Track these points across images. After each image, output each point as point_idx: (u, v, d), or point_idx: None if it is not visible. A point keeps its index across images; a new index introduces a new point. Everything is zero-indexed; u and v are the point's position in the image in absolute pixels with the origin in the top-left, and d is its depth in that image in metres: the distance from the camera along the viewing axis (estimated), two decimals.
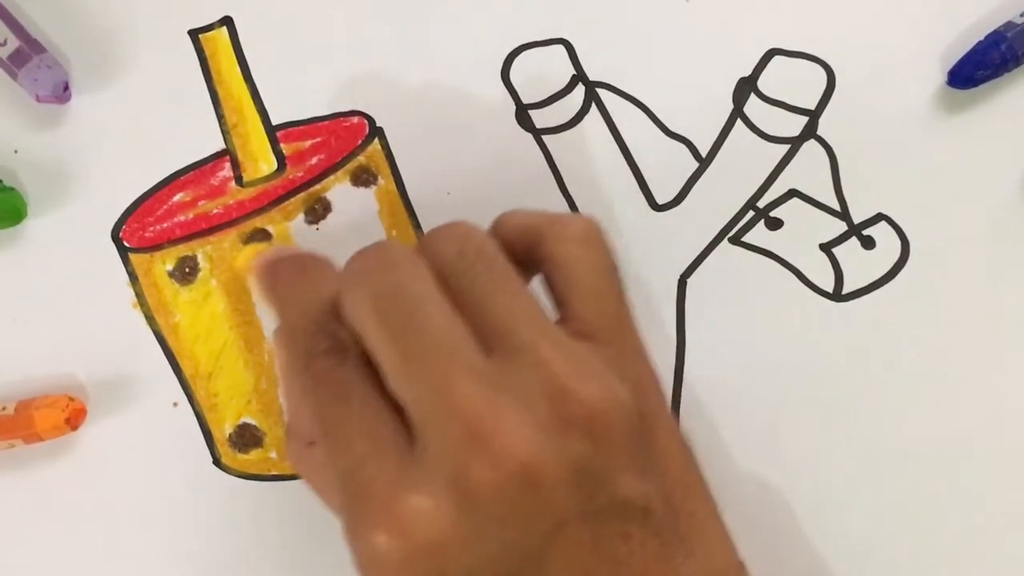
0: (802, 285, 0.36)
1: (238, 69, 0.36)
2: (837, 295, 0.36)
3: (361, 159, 0.36)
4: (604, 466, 0.24)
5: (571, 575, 0.24)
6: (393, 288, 0.26)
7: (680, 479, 0.27)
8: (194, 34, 0.36)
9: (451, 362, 0.24)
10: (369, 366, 0.26)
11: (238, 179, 0.36)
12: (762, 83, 0.36)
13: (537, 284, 0.28)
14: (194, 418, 0.35)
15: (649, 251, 0.36)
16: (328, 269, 0.29)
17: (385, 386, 0.25)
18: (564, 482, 0.24)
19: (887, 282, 0.36)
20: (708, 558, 0.26)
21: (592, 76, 0.36)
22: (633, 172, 0.36)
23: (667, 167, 0.36)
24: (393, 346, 0.25)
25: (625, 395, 0.25)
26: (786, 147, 0.36)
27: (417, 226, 0.36)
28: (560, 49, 0.37)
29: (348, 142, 0.36)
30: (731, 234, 0.36)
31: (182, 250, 0.35)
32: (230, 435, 0.35)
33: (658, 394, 0.28)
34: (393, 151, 0.36)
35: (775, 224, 0.36)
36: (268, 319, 0.35)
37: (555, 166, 0.36)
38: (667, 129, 0.36)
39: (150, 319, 0.35)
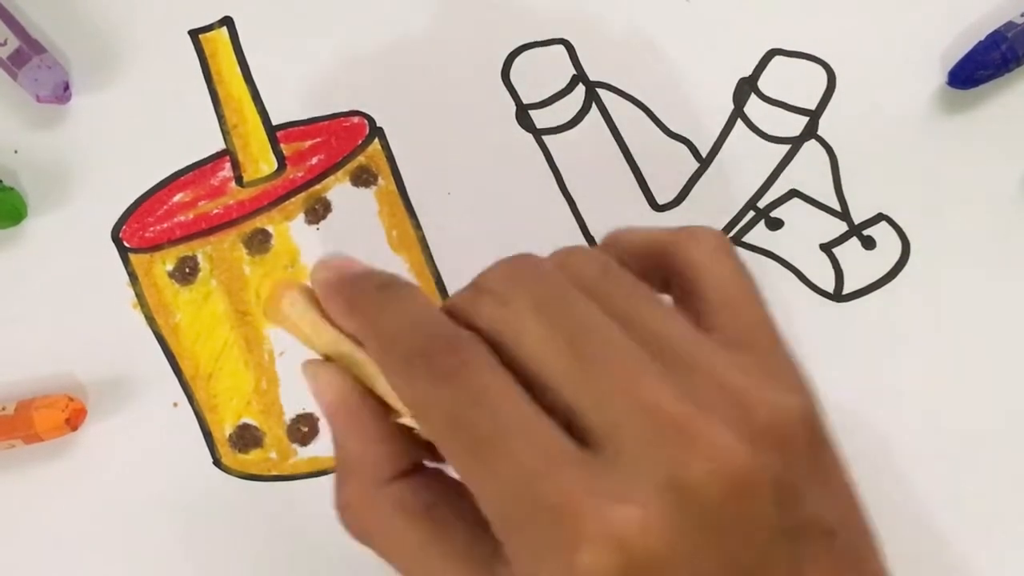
0: (802, 285, 0.36)
1: (238, 69, 0.36)
2: (837, 295, 0.36)
3: (361, 159, 0.36)
4: (796, 479, 0.23)
5: None
6: (557, 294, 0.24)
7: (849, 499, 0.25)
8: (194, 34, 0.36)
9: (637, 365, 0.22)
10: (507, 370, 0.23)
11: (238, 179, 0.36)
12: (762, 83, 0.36)
13: None
14: (194, 418, 0.35)
15: None
16: (412, 282, 0.26)
17: (533, 394, 0.23)
18: (769, 494, 0.22)
19: (887, 282, 0.36)
20: None
21: (592, 76, 0.36)
22: (633, 172, 0.36)
23: (667, 167, 0.36)
24: (568, 350, 0.22)
25: (803, 404, 0.23)
26: (786, 147, 0.36)
27: (417, 226, 0.36)
28: (560, 49, 0.37)
29: (348, 142, 0.36)
30: (731, 234, 0.36)
31: (182, 250, 0.35)
32: (230, 435, 0.35)
33: (821, 406, 0.26)
34: (393, 151, 0.36)
35: (775, 224, 0.36)
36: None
37: (555, 166, 0.36)
38: (667, 129, 0.36)
39: (150, 319, 0.35)
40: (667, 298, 0.27)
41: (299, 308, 0.26)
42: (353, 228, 0.36)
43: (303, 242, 0.35)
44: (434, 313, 0.24)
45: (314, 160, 0.36)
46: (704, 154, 0.36)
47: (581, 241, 0.36)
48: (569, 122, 0.36)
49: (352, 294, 0.26)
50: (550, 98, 0.36)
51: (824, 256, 0.36)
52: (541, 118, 0.36)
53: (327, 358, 0.26)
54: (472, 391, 0.22)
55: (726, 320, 0.25)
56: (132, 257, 0.35)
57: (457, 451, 0.22)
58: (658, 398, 0.21)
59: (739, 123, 0.36)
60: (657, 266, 0.27)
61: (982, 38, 0.35)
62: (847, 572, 0.24)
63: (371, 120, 0.36)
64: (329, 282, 0.26)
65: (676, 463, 0.21)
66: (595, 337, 0.23)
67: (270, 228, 0.35)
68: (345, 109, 0.36)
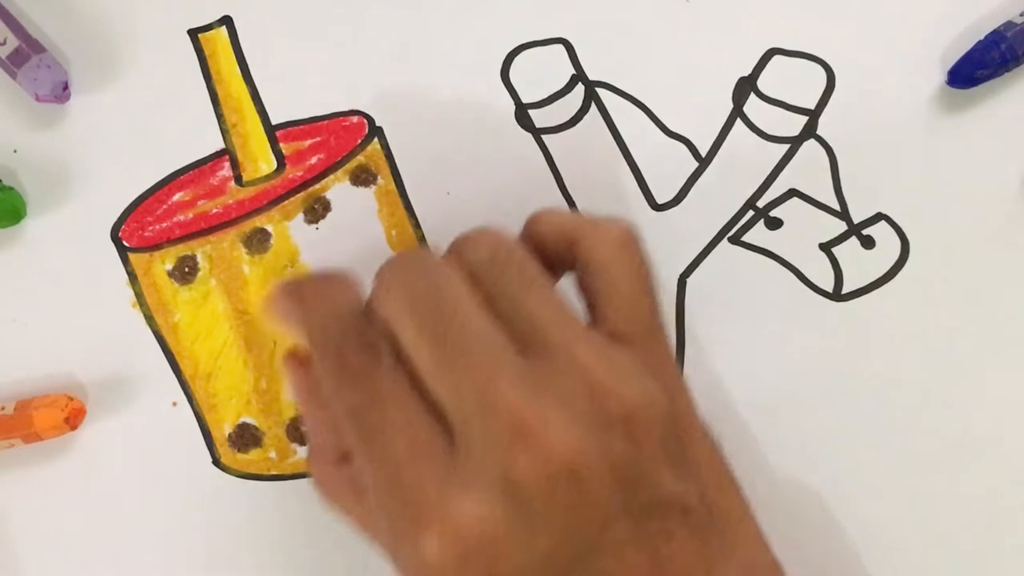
0: (802, 285, 0.36)
1: (238, 69, 0.36)
2: (837, 295, 0.36)
3: (361, 159, 0.36)
4: (645, 464, 0.24)
5: (619, 573, 0.24)
6: (429, 290, 0.26)
7: (714, 479, 0.27)
8: (194, 34, 0.36)
9: (492, 361, 0.24)
10: (404, 369, 0.26)
11: (237, 179, 0.36)
12: (762, 83, 0.36)
13: (563, 285, 0.29)
14: (194, 418, 0.35)
15: (649, 251, 0.36)
16: (352, 278, 0.29)
17: (421, 387, 0.25)
18: (609, 479, 0.24)
19: (887, 282, 0.36)
20: (746, 557, 0.26)
21: (592, 76, 0.36)
22: (633, 172, 0.36)
23: (667, 167, 0.36)
24: (432, 346, 0.25)
25: (661, 396, 0.25)
26: (786, 147, 0.36)
27: (417, 226, 0.36)
28: (560, 49, 0.37)
29: (348, 142, 0.36)
30: (731, 234, 0.36)
31: (181, 250, 0.35)
32: (230, 435, 0.35)
33: (688, 398, 0.28)
34: (393, 151, 0.36)
35: (775, 224, 0.36)
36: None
37: (555, 166, 0.36)
38: (667, 129, 0.36)
39: (150, 319, 0.35)
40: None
41: None
42: (352, 228, 0.36)
43: (302, 241, 0.35)
44: (352, 313, 0.27)
45: (313, 159, 0.36)
46: (703, 154, 0.36)
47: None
48: (568, 122, 0.36)
49: (295, 291, 0.29)
50: (549, 97, 0.36)
51: (823, 255, 0.36)
52: (540, 117, 0.36)
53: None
54: (366, 392, 0.25)
55: (613, 312, 0.27)
56: (131, 256, 0.35)
57: (352, 440, 0.26)
58: (505, 394, 0.23)
59: (738, 123, 0.36)
60: (562, 251, 0.29)
61: (982, 38, 0.35)
62: (707, 543, 0.25)
63: (370, 120, 0.36)
64: (282, 283, 0.30)
65: (508, 459, 0.23)
66: (459, 333, 0.25)
67: (269, 227, 0.35)
68: (344, 108, 0.36)
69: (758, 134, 0.36)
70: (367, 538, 0.28)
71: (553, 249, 0.29)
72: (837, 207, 0.36)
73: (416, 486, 0.24)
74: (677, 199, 0.36)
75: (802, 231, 0.36)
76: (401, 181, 0.36)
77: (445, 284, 0.26)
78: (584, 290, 0.28)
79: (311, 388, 0.29)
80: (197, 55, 0.36)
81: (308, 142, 0.36)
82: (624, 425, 0.24)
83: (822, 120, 0.36)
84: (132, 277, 0.35)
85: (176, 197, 0.36)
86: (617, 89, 0.36)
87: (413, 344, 0.25)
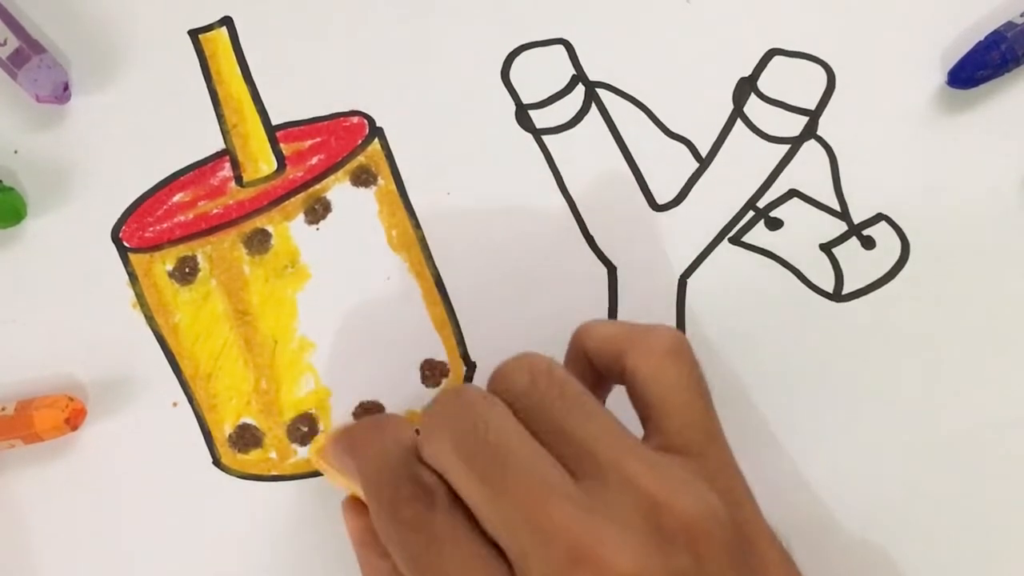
0: (802, 285, 0.36)
1: (238, 69, 0.36)
2: (837, 295, 0.36)
3: (361, 159, 0.36)
4: (709, 574, 0.24)
5: None
6: (473, 427, 0.25)
7: None
8: (194, 34, 0.36)
9: (542, 491, 0.24)
10: (459, 508, 0.26)
11: (238, 179, 0.36)
12: (762, 83, 0.36)
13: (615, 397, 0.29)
14: (194, 418, 0.35)
15: (649, 251, 0.36)
16: (402, 420, 0.29)
17: (479, 526, 0.25)
18: None
19: (887, 282, 0.36)
20: None
21: (592, 76, 0.36)
22: (633, 172, 0.36)
23: (667, 167, 0.36)
24: (481, 484, 0.25)
25: (719, 505, 0.25)
26: (786, 147, 0.36)
27: (417, 226, 0.36)
28: (560, 49, 0.37)
29: (348, 142, 0.36)
30: (731, 234, 0.36)
31: (182, 250, 0.35)
32: (230, 435, 0.35)
33: (753, 505, 0.28)
34: (393, 151, 0.36)
35: (775, 224, 0.36)
36: (272, 313, 0.35)
37: (555, 166, 0.36)
38: (667, 129, 0.36)
39: (150, 319, 0.35)
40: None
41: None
42: (353, 228, 0.36)
43: (303, 242, 0.35)
44: (404, 459, 0.27)
45: (314, 160, 0.36)
46: (704, 154, 0.36)
47: (580, 240, 0.36)
48: (569, 122, 0.36)
49: (348, 440, 0.29)
50: (550, 98, 0.36)
51: (824, 256, 0.36)
52: (541, 118, 0.36)
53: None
54: (423, 538, 0.25)
55: (666, 423, 0.27)
56: (132, 257, 0.35)
57: None
58: (557, 520, 0.23)
59: (739, 123, 0.36)
60: (611, 362, 0.29)
61: (982, 38, 0.35)
62: None
63: (371, 120, 0.36)
64: (333, 432, 0.30)
65: None
66: (504, 465, 0.25)
67: (270, 228, 0.35)
68: (345, 109, 0.36)
69: (758, 134, 0.36)
70: None
71: (601, 361, 0.29)
72: (837, 207, 0.36)
73: None
74: (677, 199, 0.36)
75: (802, 231, 0.36)
76: (401, 181, 0.36)
77: (487, 419, 0.26)
78: (636, 402, 0.28)
79: (368, 535, 0.29)
80: (197, 55, 0.36)
81: (308, 142, 0.36)
82: (684, 539, 0.24)
83: (822, 120, 0.36)
84: (132, 277, 0.35)
85: (176, 198, 0.36)
86: (617, 89, 0.36)
87: (463, 485, 0.25)
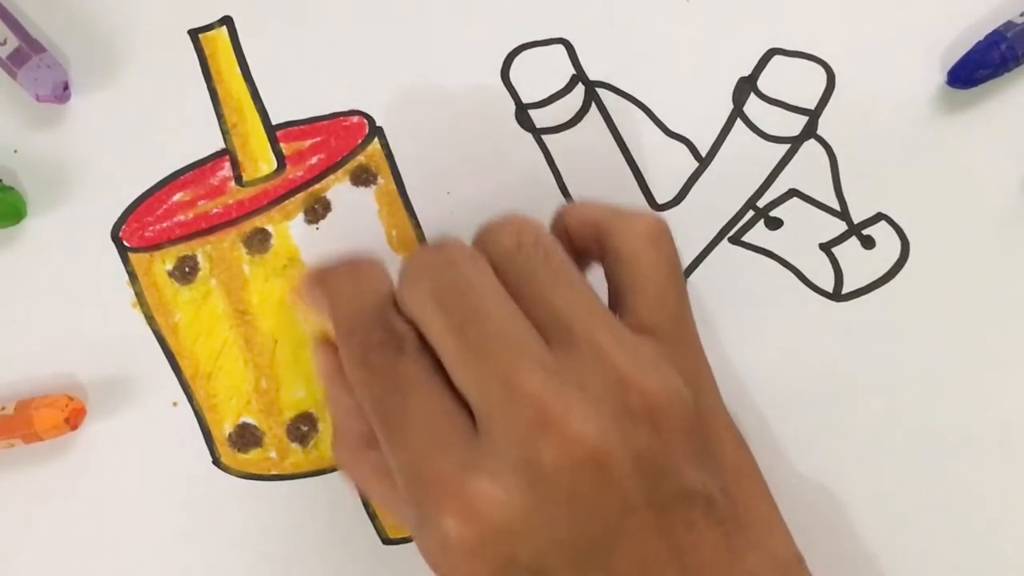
0: (802, 285, 0.36)
1: (238, 69, 0.36)
2: (837, 295, 0.36)
3: (361, 159, 0.36)
4: (667, 456, 0.25)
5: (638, 562, 0.24)
6: (454, 281, 0.26)
7: (738, 472, 0.27)
8: (194, 34, 0.36)
9: (516, 352, 0.24)
10: (429, 359, 0.26)
11: (238, 179, 0.36)
12: (762, 83, 0.36)
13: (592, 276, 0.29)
14: (194, 418, 0.35)
15: None
16: (380, 267, 0.29)
17: (447, 378, 0.26)
18: (630, 469, 0.24)
19: (887, 282, 0.36)
20: (769, 549, 0.27)
21: (592, 76, 0.36)
22: (633, 172, 0.36)
23: (667, 167, 0.36)
24: (457, 337, 0.25)
25: (684, 389, 0.25)
26: (786, 147, 0.36)
27: (417, 226, 0.36)
28: (560, 49, 0.37)
29: (348, 142, 0.36)
30: (731, 234, 0.36)
31: (182, 249, 0.35)
32: (230, 435, 0.35)
33: (714, 391, 0.28)
34: (393, 151, 0.36)
35: (775, 224, 0.36)
36: (272, 312, 0.35)
37: (555, 166, 0.36)
38: (667, 129, 0.36)
39: (150, 319, 0.35)
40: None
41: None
42: (353, 228, 0.36)
43: (303, 242, 0.35)
44: (379, 304, 0.27)
45: (314, 160, 0.36)
46: (704, 154, 0.36)
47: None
48: (569, 122, 0.36)
49: (322, 279, 0.29)
50: (550, 98, 0.36)
51: (823, 255, 0.36)
52: (541, 117, 0.36)
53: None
54: (391, 383, 0.26)
55: (640, 305, 0.27)
56: (132, 256, 0.35)
57: (378, 429, 0.26)
58: (527, 384, 0.24)
59: (739, 123, 0.36)
60: (591, 242, 0.29)
61: (982, 38, 0.35)
62: (729, 534, 0.25)
63: (371, 120, 0.36)
64: (309, 271, 0.30)
65: (532, 446, 0.23)
66: (482, 324, 0.25)
67: (270, 228, 0.35)
68: (345, 109, 0.36)
69: (758, 134, 0.36)
70: (396, 519, 0.29)
71: (582, 241, 0.29)
72: (837, 207, 0.36)
73: (438, 472, 0.24)
74: (677, 199, 0.36)
75: (802, 231, 0.36)
76: (401, 181, 0.36)
77: (470, 275, 0.26)
78: (611, 282, 0.29)
79: (337, 374, 0.29)
80: (197, 55, 0.36)
81: (308, 142, 0.36)
82: (647, 417, 0.24)
83: (822, 120, 0.36)
84: (132, 277, 0.35)
85: (176, 197, 0.36)
86: (617, 89, 0.36)
87: (438, 336, 0.26)
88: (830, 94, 0.36)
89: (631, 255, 0.28)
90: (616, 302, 0.28)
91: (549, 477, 0.23)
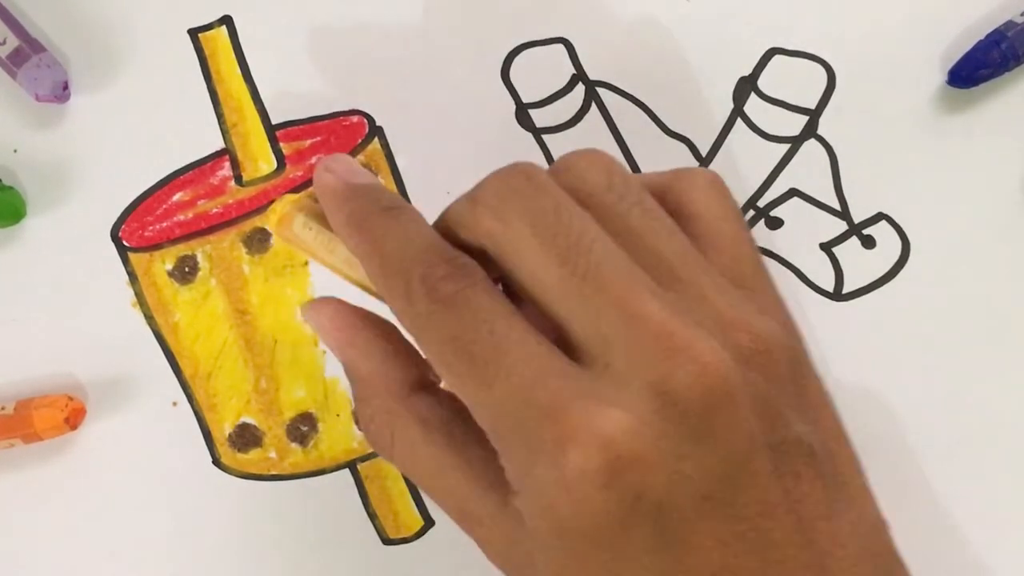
0: (802, 285, 0.36)
1: (238, 69, 0.36)
2: (837, 295, 0.36)
3: (361, 158, 0.36)
4: (779, 401, 0.23)
5: (759, 506, 0.23)
6: (553, 208, 0.24)
7: (832, 429, 0.26)
8: (194, 33, 0.36)
9: (631, 280, 0.23)
10: (501, 293, 0.24)
11: (238, 178, 0.36)
12: (762, 82, 0.36)
13: None
14: (193, 418, 0.35)
15: None
16: (410, 205, 0.27)
17: (525, 311, 0.24)
18: (752, 408, 0.23)
19: (887, 282, 0.36)
20: (860, 509, 0.26)
21: (592, 75, 0.36)
22: (633, 171, 0.36)
23: (667, 166, 0.36)
24: (561, 267, 0.23)
25: (783, 333, 0.24)
26: (786, 146, 0.36)
27: None
28: (560, 49, 0.37)
29: (348, 141, 0.36)
30: None
31: (182, 249, 0.35)
32: (229, 435, 0.35)
33: (800, 335, 0.27)
34: (393, 150, 0.36)
35: (775, 223, 0.36)
36: (272, 312, 0.35)
37: None
38: (667, 128, 0.36)
39: (150, 319, 0.35)
40: None
41: (313, 230, 0.27)
42: None
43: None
44: (434, 237, 0.25)
45: (313, 159, 0.36)
46: (704, 153, 0.36)
47: None
48: (569, 121, 0.36)
49: (356, 211, 0.26)
50: (550, 97, 0.36)
51: (824, 255, 0.36)
52: (541, 117, 0.36)
53: (339, 273, 0.27)
54: (470, 314, 0.23)
55: (718, 257, 0.26)
56: (131, 256, 0.35)
57: (457, 370, 0.23)
58: (648, 311, 0.22)
59: (739, 122, 0.36)
60: (659, 199, 0.27)
61: (982, 38, 0.35)
62: (829, 489, 0.24)
63: (370, 119, 0.36)
64: (336, 193, 0.27)
65: (661, 372, 0.22)
66: (589, 252, 0.23)
67: (269, 227, 0.35)
68: (344, 108, 0.36)
69: (758, 134, 0.36)
70: (440, 481, 0.25)
71: None
72: (837, 207, 0.36)
73: (553, 401, 0.22)
74: None
75: (802, 231, 0.36)
76: (401, 181, 0.36)
77: (568, 205, 0.24)
78: None
79: (355, 325, 0.27)
80: (197, 55, 0.36)
81: (308, 142, 0.36)
82: (758, 360, 0.23)
83: (822, 120, 0.36)
84: (132, 277, 0.35)
85: (176, 197, 0.35)
86: (617, 89, 0.36)
87: (535, 263, 0.23)
88: (830, 94, 0.36)
89: (699, 207, 0.27)
90: None
91: (680, 404, 0.22)
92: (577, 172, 0.25)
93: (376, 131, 0.36)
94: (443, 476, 0.25)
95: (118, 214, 0.35)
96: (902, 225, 0.36)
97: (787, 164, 0.36)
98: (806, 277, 0.36)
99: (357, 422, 0.27)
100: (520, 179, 0.25)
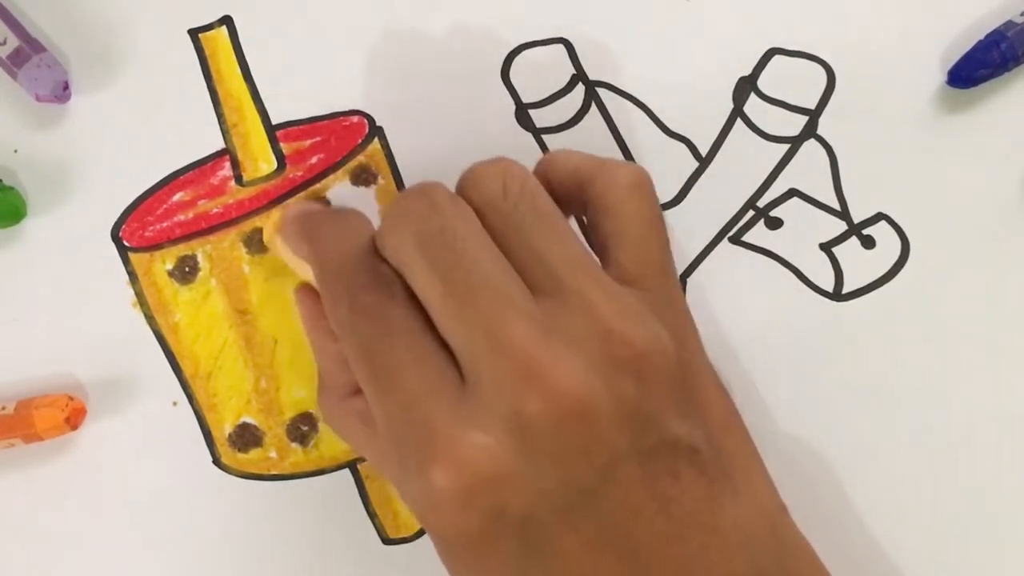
0: (802, 285, 0.36)
1: (238, 68, 0.36)
2: (837, 295, 0.36)
3: (361, 158, 0.36)
4: (652, 406, 0.25)
5: (625, 511, 0.24)
6: (439, 229, 0.25)
7: (721, 422, 0.27)
8: (194, 33, 0.36)
9: (502, 303, 0.24)
10: (415, 306, 0.26)
11: (238, 178, 0.36)
12: (762, 82, 0.36)
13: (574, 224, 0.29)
14: (194, 418, 0.35)
15: None
16: (363, 216, 0.29)
17: (433, 326, 0.25)
18: (616, 420, 0.24)
19: (887, 282, 0.36)
20: (753, 498, 0.27)
21: (592, 76, 0.36)
22: None
23: (667, 167, 0.36)
24: (442, 286, 0.25)
25: (668, 340, 0.25)
26: (786, 146, 0.36)
27: None
28: (560, 49, 0.37)
29: (348, 141, 0.36)
30: (731, 234, 0.36)
31: (182, 249, 0.35)
32: (230, 435, 0.35)
33: (696, 341, 0.28)
34: (393, 150, 0.36)
35: (775, 224, 0.36)
36: (272, 312, 0.35)
37: None
38: (667, 129, 0.36)
39: (150, 319, 0.35)
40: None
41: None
42: None
43: None
44: (364, 249, 0.27)
45: (314, 159, 0.36)
46: (704, 153, 0.36)
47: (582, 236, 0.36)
48: (569, 121, 0.36)
49: (305, 224, 0.29)
50: (550, 97, 0.36)
51: (824, 255, 0.36)
52: (541, 117, 0.36)
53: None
54: (379, 327, 0.25)
55: (623, 255, 0.27)
56: (132, 256, 0.35)
57: (362, 375, 0.26)
58: (513, 336, 0.24)
59: (739, 122, 0.36)
60: (573, 191, 0.28)
61: (982, 38, 0.35)
62: (714, 483, 0.25)
63: (371, 119, 0.36)
64: (291, 213, 0.31)
65: (518, 397, 0.23)
66: (468, 274, 0.25)
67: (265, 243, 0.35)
68: (345, 108, 0.36)
69: (758, 134, 0.36)
70: (377, 469, 0.29)
71: (564, 190, 0.29)
72: (837, 207, 0.36)
73: (425, 421, 0.24)
74: (677, 199, 0.36)
75: (802, 231, 0.36)
76: (401, 181, 0.36)
77: (454, 221, 0.26)
78: (594, 232, 0.28)
79: (322, 321, 0.29)
80: (197, 55, 0.36)
81: (308, 142, 0.36)
82: (632, 368, 0.24)
83: (822, 120, 0.36)
84: (132, 277, 0.35)
85: (176, 197, 0.36)
86: (617, 89, 0.36)
87: (423, 283, 0.25)
88: (830, 94, 0.36)
89: (615, 205, 0.28)
90: (598, 252, 0.28)
91: (536, 428, 0.23)
92: (474, 182, 0.27)
93: (376, 131, 0.36)
94: (371, 457, 0.29)
95: (118, 214, 0.36)
96: (902, 225, 0.36)
97: (787, 164, 0.36)
98: (806, 277, 0.36)
99: None
100: (416, 200, 0.26)
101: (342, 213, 0.30)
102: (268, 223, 0.34)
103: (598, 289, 0.25)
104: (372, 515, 0.35)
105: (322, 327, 0.29)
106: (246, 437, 0.35)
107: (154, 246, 0.35)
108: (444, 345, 0.25)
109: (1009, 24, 0.35)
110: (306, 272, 0.30)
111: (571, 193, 0.29)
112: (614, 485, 0.24)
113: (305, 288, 0.31)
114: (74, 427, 0.34)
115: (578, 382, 0.24)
